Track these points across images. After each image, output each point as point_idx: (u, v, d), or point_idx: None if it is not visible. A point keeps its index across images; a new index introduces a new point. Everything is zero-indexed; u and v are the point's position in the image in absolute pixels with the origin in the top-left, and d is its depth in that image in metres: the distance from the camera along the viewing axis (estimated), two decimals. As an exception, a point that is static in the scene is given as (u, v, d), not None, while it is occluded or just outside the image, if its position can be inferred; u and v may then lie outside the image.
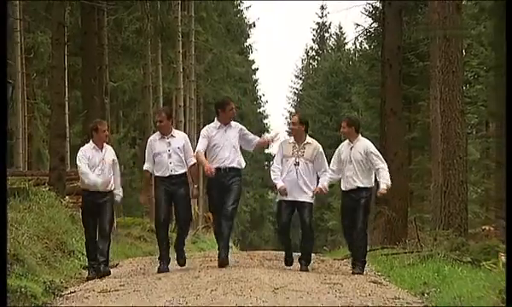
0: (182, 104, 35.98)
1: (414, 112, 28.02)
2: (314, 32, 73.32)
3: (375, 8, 31.46)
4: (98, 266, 10.68)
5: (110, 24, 26.30)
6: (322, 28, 72.67)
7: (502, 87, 23.62)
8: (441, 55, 15.70)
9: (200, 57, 41.23)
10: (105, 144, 10.97)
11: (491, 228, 18.28)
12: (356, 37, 37.48)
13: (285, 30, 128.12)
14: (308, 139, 11.14)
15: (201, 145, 11.06)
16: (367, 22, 33.94)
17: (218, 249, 11.15)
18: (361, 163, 10.87)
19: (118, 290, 9.09)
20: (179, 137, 11.25)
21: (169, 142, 10.97)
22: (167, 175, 10.90)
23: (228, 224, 10.99)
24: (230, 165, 10.99)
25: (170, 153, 10.92)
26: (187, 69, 37.36)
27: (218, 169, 10.90)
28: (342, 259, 14.41)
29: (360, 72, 36.72)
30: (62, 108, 21.52)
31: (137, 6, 29.65)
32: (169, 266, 11.02)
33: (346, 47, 63.11)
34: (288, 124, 12.33)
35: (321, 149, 11.15)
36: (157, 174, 11.02)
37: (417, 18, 28.36)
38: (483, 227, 19.28)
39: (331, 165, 11.16)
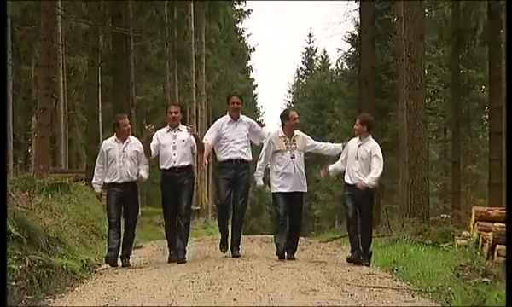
0: (194, 114, 35.97)
1: (385, 120, 28.01)
2: (303, 55, 73.29)
3: (353, 35, 31.57)
4: (122, 256, 9.35)
5: (136, 48, 26.31)
6: (310, 52, 72.60)
7: (457, 101, 23.68)
8: (407, 74, 15.68)
9: (209, 76, 41.23)
10: (129, 137, 9.53)
11: (448, 216, 18.27)
12: (338, 60, 37.57)
13: (279, 53, 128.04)
14: (296, 131, 9.76)
15: (210, 136, 9.89)
16: (347, 47, 34.14)
17: (221, 242, 9.98)
18: (365, 161, 9.39)
19: (142, 267, 9.10)
20: (185, 131, 9.66)
21: (175, 135, 9.52)
22: (169, 167, 9.41)
23: (240, 218, 9.90)
24: (241, 158, 9.76)
25: (175, 145, 9.44)
26: (199, 85, 37.38)
27: (229, 160, 9.74)
28: (326, 242, 14.41)
29: (341, 88, 36.71)
30: (96, 118, 21.63)
31: (158, 34, 29.72)
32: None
33: (330, 67, 63.18)
34: (288, 119, 10.86)
35: (307, 137, 9.93)
36: (162, 166, 9.53)
37: (388, 44, 28.42)
38: (442, 215, 19.25)
39: (342, 156, 9.72)
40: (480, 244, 10.33)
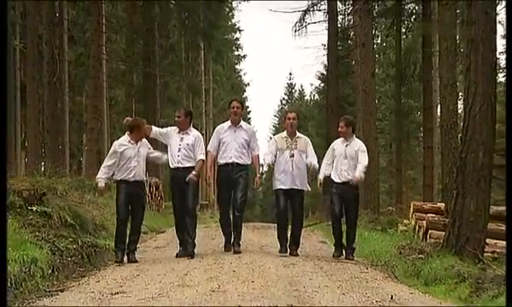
0: (204, 133, 36.16)
1: (346, 138, 28.02)
2: (285, 89, 73.21)
3: (322, 74, 31.82)
4: (129, 253, 7.48)
5: (160, 84, 26.30)
6: (290, 86, 72.30)
7: (399, 123, 23.75)
8: (362, 103, 15.80)
9: (215, 104, 41.31)
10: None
11: (393, 209, 18.30)
12: (311, 92, 37.54)
13: (267, 88, 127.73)
14: (298, 134, 7.99)
15: (213, 146, 8.08)
16: (317, 83, 34.39)
17: (227, 241, 8.07)
18: (354, 159, 7.83)
19: (165, 247, 9.08)
20: (192, 135, 7.77)
21: (182, 138, 7.70)
22: (174, 166, 7.65)
23: (239, 215, 7.87)
24: (236, 161, 7.83)
25: (180, 147, 7.66)
26: (207, 111, 37.50)
27: (226, 164, 7.88)
28: (305, 227, 14.36)
29: (313, 113, 36.88)
30: (131, 135, 21.48)
31: (177, 73, 29.84)
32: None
33: (305, 98, 63.17)
34: (289, 119, 7.61)
35: (309, 141, 8.04)
36: (170, 165, 7.77)
37: (348, 80, 28.57)
38: (388, 208, 19.29)
39: (326, 159, 8.06)
40: (417, 229, 10.40)
